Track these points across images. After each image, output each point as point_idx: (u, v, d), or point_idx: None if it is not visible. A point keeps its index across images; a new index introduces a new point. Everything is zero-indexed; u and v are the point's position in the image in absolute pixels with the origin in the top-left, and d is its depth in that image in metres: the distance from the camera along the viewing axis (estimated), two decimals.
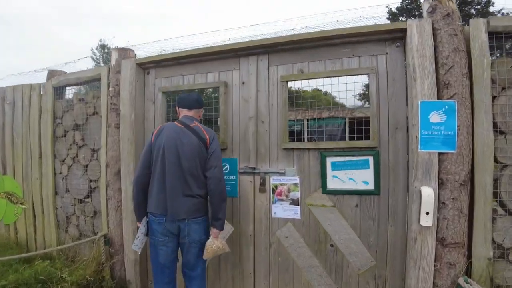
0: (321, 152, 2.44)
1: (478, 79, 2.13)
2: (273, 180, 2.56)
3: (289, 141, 2.53)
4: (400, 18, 19.01)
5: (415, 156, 2.14)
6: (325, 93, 2.46)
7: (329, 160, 2.43)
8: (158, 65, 3.15)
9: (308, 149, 2.49)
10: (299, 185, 2.50)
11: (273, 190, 2.56)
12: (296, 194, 2.51)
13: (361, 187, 2.38)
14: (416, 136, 2.15)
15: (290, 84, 2.59)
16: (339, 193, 2.42)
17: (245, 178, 2.66)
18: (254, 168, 2.62)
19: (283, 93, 2.56)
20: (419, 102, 2.16)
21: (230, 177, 2.71)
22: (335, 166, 2.42)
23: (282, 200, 2.54)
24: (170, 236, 2.24)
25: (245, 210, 2.67)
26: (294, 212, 2.51)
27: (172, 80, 3.11)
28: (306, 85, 2.53)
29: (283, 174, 2.52)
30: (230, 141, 2.74)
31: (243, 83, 2.73)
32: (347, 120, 8.24)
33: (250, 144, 2.63)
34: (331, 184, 2.43)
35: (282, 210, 2.54)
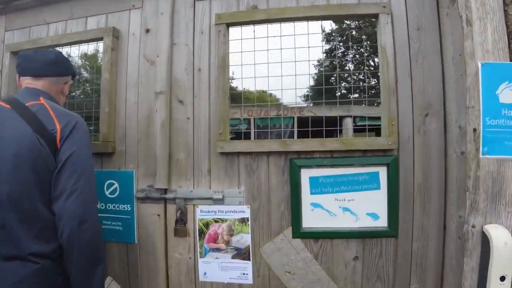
0: (291, 160, 1.28)
1: None
2: (201, 213, 1.34)
3: (232, 139, 1.33)
4: None
5: (472, 167, 1.10)
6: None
7: (306, 175, 1.28)
8: (9, 7, 1.74)
9: (268, 153, 1.31)
10: (250, 222, 1.31)
11: (202, 232, 1.34)
12: (244, 240, 1.32)
13: (365, 223, 1.28)
14: (475, 129, 1.10)
15: (234, 32, 1.38)
16: (324, 235, 1.29)
17: (149, 209, 1.40)
18: (165, 191, 1.37)
19: (222, 46, 1.34)
20: (480, 65, 1.11)
21: (121, 206, 1.43)
22: (317, 186, 1.28)
23: (218, 250, 1.33)
24: None
25: (151, 269, 1.41)
26: (242, 273, 1.32)
27: (31, 32, 1.73)
28: (262, 33, 1.34)
29: (219, 201, 1.31)
30: (120, 138, 1.45)
31: (148, 30, 1.46)
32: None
33: (158, 144, 1.37)
34: (311, 220, 1.29)
35: (219, 269, 1.34)
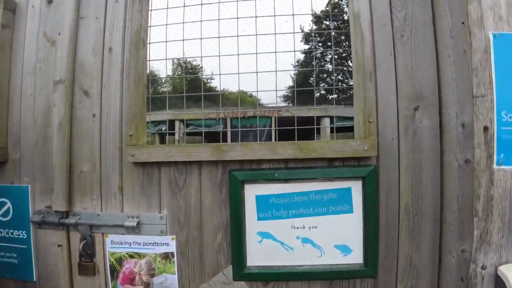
0: (232, 172, 0.93)
1: None
2: (112, 245, 0.99)
3: (148, 144, 0.97)
4: None
5: (482, 182, 0.76)
6: None
7: (251, 192, 0.93)
8: None
9: (199, 163, 0.95)
10: (176, 259, 0.96)
11: (114, 271, 0.99)
12: (169, 282, 0.96)
13: (333, 259, 0.92)
14: (486, 128, 0.76)
15: None
16: (277, 277, 0.93)
17: (49, 238, 1.05)
18: (66, 214, 1.02)
19: (136, 16, 0.99)
20: (491, 36, 0.77)
21: (16, 233, 1.08)
22: (267, 208, 0.93)
23: None
24: None
25: None
26: None
27: None
28: (195, 0, 0.98)
29: (133, 229, 0.95)
30: (14, 142, 1.10)
31: (50, 1, 1.10)
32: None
33: (55, 151, 1.01)
34: (258, 255, 0.94)
35: None
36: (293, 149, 0.90)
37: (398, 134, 0.92)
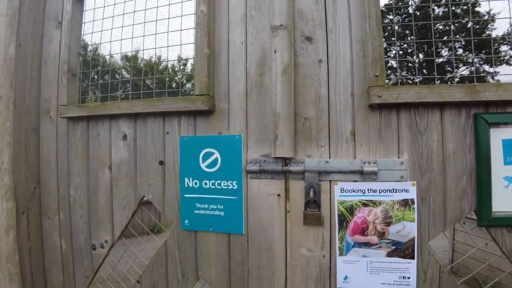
0: (477, 115, 0.89)
1: None
2: (341, 193, 0.96)
3: (391, 84, 0.94)
4: None
5: None
6: None
7: (497, 136, 0.90)
8: None
9: (441, 105, 0.92)
10: (416, 206, 0.93)
11: (343, 221, 0.97)
12: (407, 230, 0.93)
13: None
14: None
15: None
16: None
17: (264, 188, 1.04)
18: (288, 161, 1.00)
19: None
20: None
21: (224, 183, 1.08)
22: None
23: (367, 245, 0.96)
24: None
25: (264, 271, 1.05)
26: (401, 276, 0.94)
27: None
28: None
29: (371, 175, 0.93)
30: (221, 92, 1.09)
31: None
32: None
33: (279, 98, 1.00)
34: (504, 201, 0.90)
35: (367, 272, 0.96)
36: None
37: None
